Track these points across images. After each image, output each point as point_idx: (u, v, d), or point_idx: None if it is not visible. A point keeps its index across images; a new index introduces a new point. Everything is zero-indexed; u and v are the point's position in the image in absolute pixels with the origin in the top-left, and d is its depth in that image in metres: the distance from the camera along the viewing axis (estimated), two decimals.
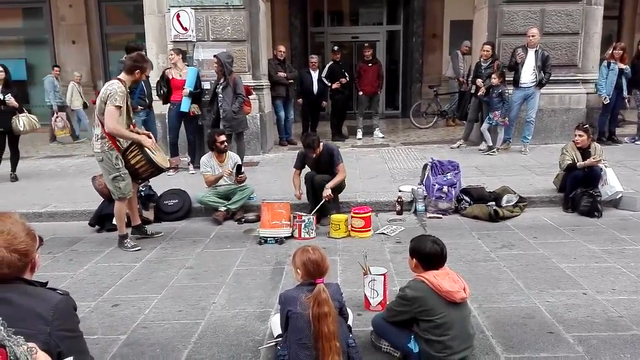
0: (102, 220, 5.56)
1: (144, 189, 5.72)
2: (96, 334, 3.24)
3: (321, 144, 5.48)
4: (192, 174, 7.54)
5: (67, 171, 8.35)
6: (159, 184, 6.08)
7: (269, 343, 2.97)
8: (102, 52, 13.64)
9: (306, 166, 5.66)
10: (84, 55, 13.57)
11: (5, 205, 5.95)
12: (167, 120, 8.05)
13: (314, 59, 10.48)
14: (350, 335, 2.82)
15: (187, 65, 7.77)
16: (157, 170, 4.91)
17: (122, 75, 4.74)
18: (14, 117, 7.40)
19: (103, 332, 3.29)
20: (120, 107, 4.54)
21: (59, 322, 1.83)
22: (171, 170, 7.61)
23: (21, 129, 7.45)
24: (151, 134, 5.02)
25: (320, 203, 5.31)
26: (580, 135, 5.75)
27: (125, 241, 4.93)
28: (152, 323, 3.41)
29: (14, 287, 1.84)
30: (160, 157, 4.93)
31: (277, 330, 2.94)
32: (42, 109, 11.96)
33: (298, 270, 2.72)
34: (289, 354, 2.64)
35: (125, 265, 4.52)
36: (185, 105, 7.48)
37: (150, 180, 5.53)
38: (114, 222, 5.19)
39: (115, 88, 4.54)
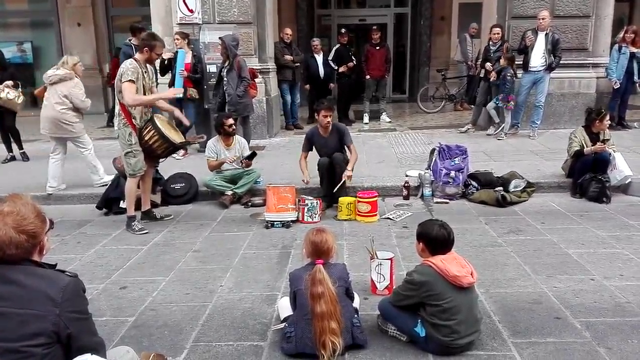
0: (109, 203, 5.58)
1: None
2: (104, 316, 3.27)
3: (330, 123, 5.45)
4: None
5: (75, 154, 8.35)
6: (166, 168, 6.08)
7: (277, 325, 2.99)
8: (108, 34, 13.56)
9: (314, 149, 5.62)
10: (90, 38, 13.47)
11: (15, 187, 5.97)
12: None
13: (315, 42, 10.31)
14: (356, 316, 2.86)
15: (192, 48, 7.71)
16: (171, 145, 4.97)
17: (137, 55, 4.98)
18: None
19: (111, 314, 3.32)
20: (133, 81, 4.67)
21: (68, 303, 1.84)
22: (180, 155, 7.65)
23: None
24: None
25: (342, 182, 5.31)
26: (607, 120, 5.73)
27: (133, 223, 4.95)
28: (160, 305, 3.44)
29: (22, 268, 1.85)
30: (174, 134, 5.03)
31: (284, 313, 2.98)
32: None
33: (304, 249, 2.92)
34: (296, 331, 2.71)
35: (132, 247, 4.55)
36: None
37: (157, 163, 5.52)
38: (122, 205, 5.22)
39: (127, 65, 4.73)
